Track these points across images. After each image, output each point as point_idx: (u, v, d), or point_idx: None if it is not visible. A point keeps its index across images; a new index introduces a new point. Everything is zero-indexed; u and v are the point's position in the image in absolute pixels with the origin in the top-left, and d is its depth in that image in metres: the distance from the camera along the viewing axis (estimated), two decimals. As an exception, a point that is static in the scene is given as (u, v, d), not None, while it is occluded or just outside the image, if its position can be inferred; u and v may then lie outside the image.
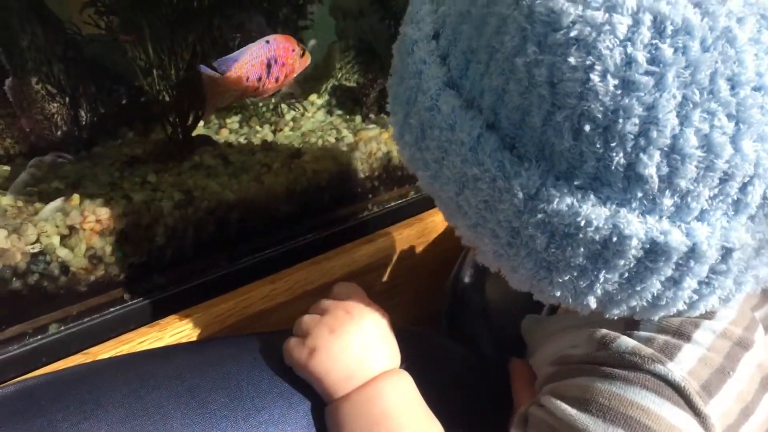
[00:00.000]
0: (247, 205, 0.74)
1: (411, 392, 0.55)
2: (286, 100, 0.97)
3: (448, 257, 0.87)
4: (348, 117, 0.98)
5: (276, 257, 0.75)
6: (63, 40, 0.78)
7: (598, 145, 0.39)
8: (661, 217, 0.41)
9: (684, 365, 0.46)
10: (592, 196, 0.41)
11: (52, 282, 0.60)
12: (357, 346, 0.55)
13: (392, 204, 0.88)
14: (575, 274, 0.44)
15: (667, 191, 0.40)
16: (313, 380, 0.55)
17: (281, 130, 0.91)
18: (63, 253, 0.61)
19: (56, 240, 0.60)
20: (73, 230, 0.61)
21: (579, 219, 0.41)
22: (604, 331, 0.49)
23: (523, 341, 0.70)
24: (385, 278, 0.82)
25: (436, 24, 0.48)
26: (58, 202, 0.63)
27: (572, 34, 0.38)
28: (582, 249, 0.42)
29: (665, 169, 0.39)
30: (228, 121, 0.94)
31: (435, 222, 0.88)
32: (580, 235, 0.42)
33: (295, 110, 0.97)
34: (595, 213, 0.41)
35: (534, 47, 0.40)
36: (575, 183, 0.41)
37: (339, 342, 0.55)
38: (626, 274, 0.43)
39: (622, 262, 0.42)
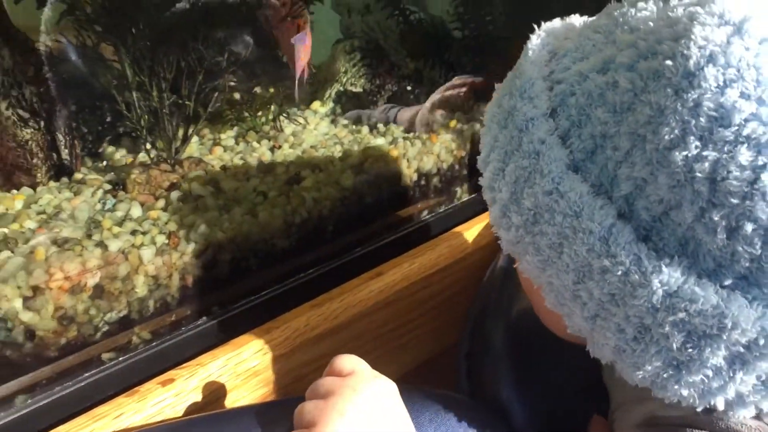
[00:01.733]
0: (240, 244, 0.67)
1: None
2: (285, 110, 0.90)
3: (463, 287, 0.80)
4: (354, 127, 0.90)
5: (272, 300, 0.68)
6: (32, 59, 0.71)
7: (756, 246, 0.38)
8: None
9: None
10: (739, 296, 0.39)
11: (15, 350, 0.54)
12: (373, 425, 0.49)
13: (402, 230, 0.80)
14: (709, 374, 0.42)
15: None
16: None
17: (280, 147, 0.84)
18: (27, 317, 0.54)
19: (18, 303, 0.53)
20: (38, 290, 0.54)
21: (725, 320, 0.39)
22: None
23: (551, 389, 0.65)
24: (395, 315, 0.74)
25: (553, 101, 0.46)
26: (18, 260, 0.55)
27: (744, 132, 0.37)
28: (723, 350, 0.40)
29: None
30: (223, 136, 0.87)
31: (450, 247, 0.80)
32: (724, 336, 0.40)
33: (295, 123, 0.89)
34: (743, 315, 0.39)
35: (697, 141, 0.38)
36: (723, 282, 0.40)
37: (352, 425, 0.48)
38: (764, 377, 0.41)
39: (764, 365, 0.40)
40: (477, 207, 0.87)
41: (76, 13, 0.73)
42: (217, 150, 0.83)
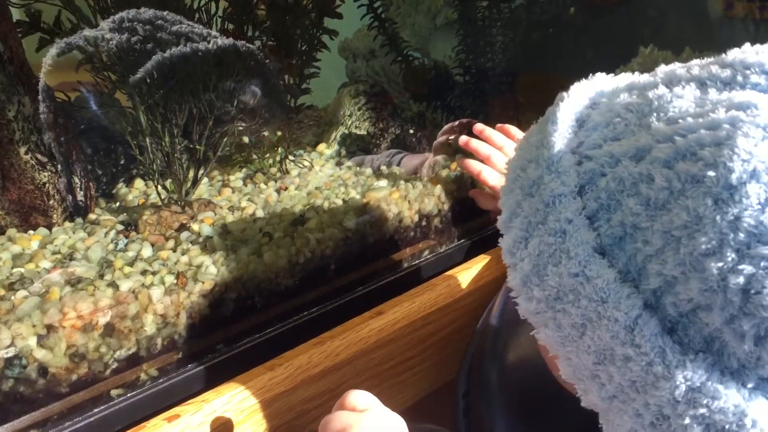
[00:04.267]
0: (245, 283, 0.70)
1: None
2: (292, 152, 0.93)
3: (461, 326, 0.82)
4: (358, 169, 0.93)
5: (276, 338, 0.70)
6: (52, 107, 0.74)
7: None
8: None
9: None
10: (761, 397, 0.40)
11: (28, 386, 0.56)
12: None
13: (402, 270, 0.82)
14: None
15: None
16: None
17: (286, 188, 0.87)
18: (40, 354, 0.56)
19: (33, 341, 0.56)
20: (52, 329, 0.57)
21: (745, 420, 0.39)
22: None
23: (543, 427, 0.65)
24: (395, 353, 0.76)
25: (582, 178, 0.45)
26: (34, 299, 0.58)
27: None
28: None
29: None
30: (231, 178, 0.90)
31: (449, 287, 0.82)
32: None
33: (300, 166, 0.92)
34: (764, 416, 0.39)
35: (733, 254, 0.38)
36: (747, 383, 0.40)
37: None
38: None
39: None
40: (476, 248, 0.90)
41: (93, 61, 0.77)
42: (225, 191, 0.86)
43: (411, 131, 0.95)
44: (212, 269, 0.68)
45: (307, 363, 0.68)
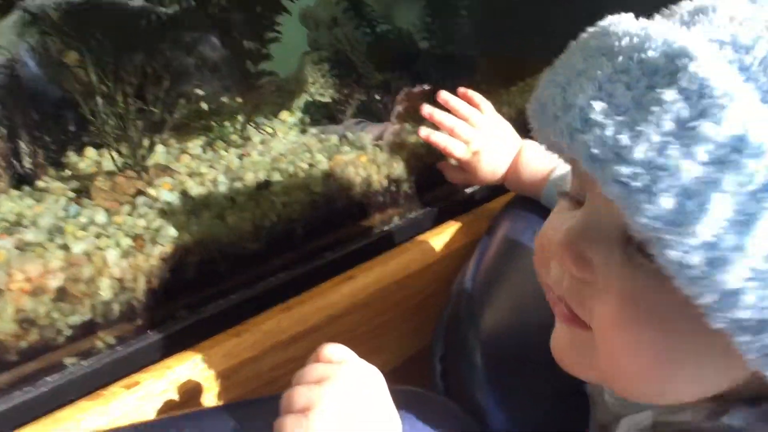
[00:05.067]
0: (208, 247, 0.66)
1: None
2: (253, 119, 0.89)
3: (434, 291, 0.79)
4: (323, 137, 0.90)
5: (242, 304, 0.66)
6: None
7: None
8: None
9: None
10: None
11: (-27, 354, 0.52)
12: (369, 415, 0.48)
13: (373, 235, 0.79)
14: None
15: None
16: None
17: (248, 155, 0.83)
18: (-14, 319, 0.52)
19: (-24, 305, 0.52)
20: (-1, 292, 0.53)
21: None
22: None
23: (527, 395, 0.65)
24: (367, 318, 0.73)
25: None
26: (-23, 262, 0.54)
27: None
28: None
29: None
30: (190, 145, 0.86)
31: (422, 251, 0.80)
32: None
33: (263, 133, 0.89)
34: None
35: None
36: None
37: (349, 415, 0.47)
38: None
39: None
40: (447, 214, 0.87)
41: (41, 19, 0.73)
42: (184, 158, 0.82)
43: (377, 97, 0.92)
44: (172, 231, 0.64)
45: (275, 329, 0.65)
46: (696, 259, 0.33)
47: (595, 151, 0.35)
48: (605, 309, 0.40)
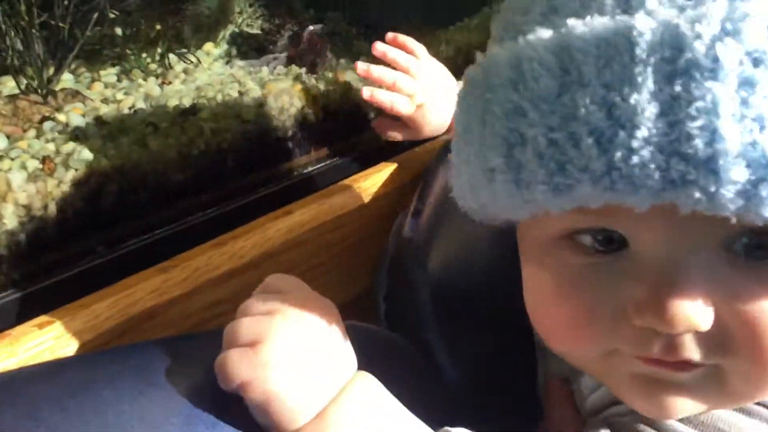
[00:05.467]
0: (129, 175, 0.59)
1: (389, 397, 0.43)
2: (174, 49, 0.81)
3: (375, 231, 0.74)
4: (252, 69, 0.83)
5: (169, 239, 0.60)
6: None
7: None
8: None
9: None
10: None
11: None
12: (324, 349, 0.42)
13: (311, 168, 0.74)
14: None
15: None
16: (269, 403, 0.39)
17: (170, 83, 0.75)
18: None
19: None
20: None
21: None
22: None
23: (476, 334, 0.61)
24: (304, 257, 0.68)
25: None
26: None
27: None
28: None
29: None
30: (103, 73, 0.77)
31: (362, 189, 0.74)
32: None
33: (186, 62, 0.81)
34: None
35: None
36: None
37: (304, 347, 0.41)
38: None
39: None
40: (391, 150, 0.83)
41: None
42: (96, 85, 0.74)
43: (311, 28, 0.86)
44: (86, 154, 0.56)
45: (206, 265, 0.58)
46: None
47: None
48: (758, 331, 0.34)
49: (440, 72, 0.78)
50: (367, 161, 0.81)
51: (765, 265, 0.34)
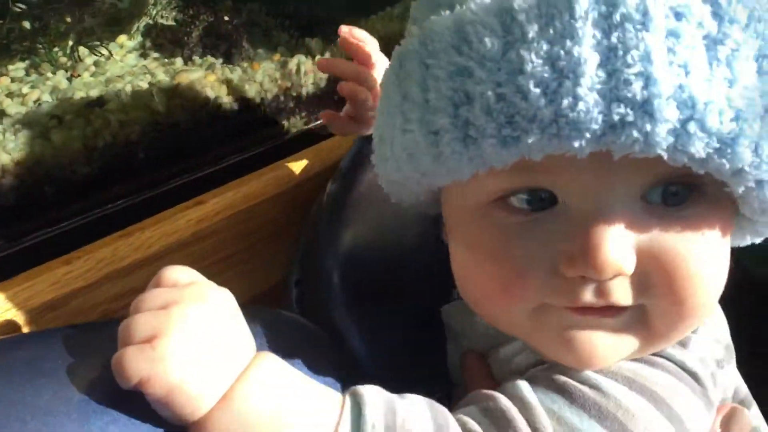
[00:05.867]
0: (30, 168, 0.58)
1: (291, 371, 0.43)
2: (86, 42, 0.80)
3: (291, 220, 0.75)
4: (167, 60, 0.83)
5: (74, 232, 0.59)
6: None
7: None
8: None
9: (696, 353, 0.44)
10: None
11: None
12: (222, 336, 0.42)
13: (224, 161, 0.74)
14: None
15: None
16: (172, 397, 0.39)
17: (79, 75, 0.74)
18: None
19: None
20: None
21: None
22: None
23: (388, 317, 0.61)
24: (217, 247, 0.68)
25: None
26: None
27: None
28: None
29: None
30: (11, 68, 0.76)
31: (277, 177, 0.75)
32: None
33: (98, 54, 0.80)
34: None
35: None
36: None
37: (202, 336, 0.40)
38: None
39: None
40: (307, 139, 0.83)
41: None
42: (2, 80, 0.72)
43: (226, 19, 0.86)
44: (-18, 147, 0.56)
45: (111, 256, 0.58)
46: None
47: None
48: (675, 270, 0.38)
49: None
50: (284, 150, 0.81)
51: (679, 211, 0.38)
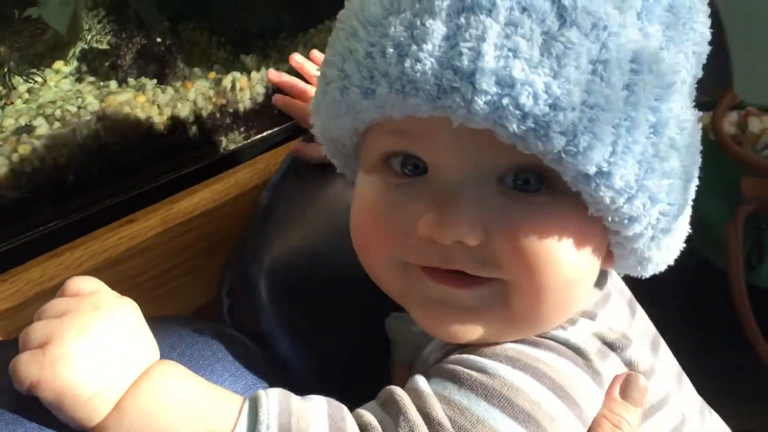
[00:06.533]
0: (-45, 195, 0.60)
1: (192, 377, 0.44)
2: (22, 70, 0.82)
3: (228, 234, 0.76)
4: (102, 84, 0.84)
5: (1, 255, 0.61)
6: None
7: None
8: None
9: (581, 333, 0.47)
10: None
11: None
12: (117, 343, 0.43)
13: (158, 180, 0.75)
14: None
15: None
16: (62, 400, 0.40)
17: (12, 103, 0.76)
18: None
19: None
20: None
21: None
22: None
23: (317, 325, 0.63)
24: (152, 263, 0.69)
25: None
26: None
27: None
28: None
29: None
30: (-58, 98, 0.77)
31: (212, 192, 0.76)
32: None
33: (32, 81, 0.81)
34: None
35: None
36: None
37: (94, 342, 0.42)
38: None
39: None
40: (241, 156, 0.85)
41: None
42: (-67, 111, 0.74)
43: (159, 40, 0.87)
44: None
45: (40, 277, 0.60)
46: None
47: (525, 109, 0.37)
48: (520, 248, 0.42)
49: None
50: (221, 167, 0.83)
51: (530, 197, 0.42)
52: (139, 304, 0.65)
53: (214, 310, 0.73)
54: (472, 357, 0.45)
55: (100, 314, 0.43)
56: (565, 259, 0.42)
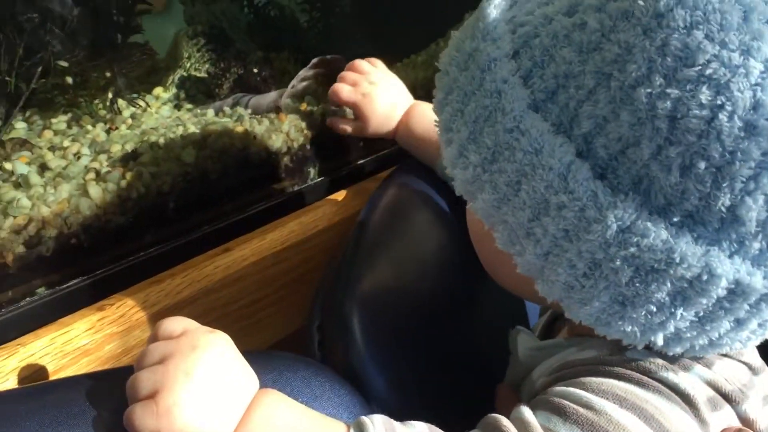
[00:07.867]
0: (67, 219, 0.62)
1: (295, 404, 0.47)
2: (124, 95, 0.85)
3: (315, 266, 0.78)
4: (199, 111, 0.87)
5: (108, 279, 0.63)
6: None
7: (706, 184, 0.40)
8: (745, 259, 0.42)
9: (692, 379, 0.47)
10: (687, 233, 0.41)
11: None
12: (221, 379, 0.45)
13: (251, 209, 0.77)
14: (653, 310, 0.44)
15: (760, 235, 0.41)
16: None
17: (116, 128, 0.79)
18: None
19: None
20: None
21: (674, 255, 0.41)
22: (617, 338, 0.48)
23: (409, 359, 0.65)
24: (244, 292, 0.71)
25: (516, 43, 0.47)
26: None
27: (706, 72, 0.39)
28: (668, 285, 0.42)
29: (764, 215, 0.40)
30: (54, 121, 0.81)
31: (301, 224, 0.78)
32: (670, 272, 0.42)
33: (135, 106, 0.85)
34: (690, 250, 0.41)
35: (661, 79, 0.40)
36: (672, 219, 0.42)
37: (201, 384, 0.44)
38: (702, 313, 0.43)
39: (704, 301, 0.42)
40: (329, 187, 0.86)
41: None
42: (46, 133, 0.77)
43: (255, 71, 0.90)
44: (25, 202, 0.60)
45: (143, 302, 0.62)
46: None
47: None
48: None
49: (395, 79, 0.86)
50: (314, 195, 0.84)
51: None
52: (231, 332, 0.66)
53: (298, 341, 0.75)
54: (578, 392, 0.46)
55: (199, 354, 0.45)
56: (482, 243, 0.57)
